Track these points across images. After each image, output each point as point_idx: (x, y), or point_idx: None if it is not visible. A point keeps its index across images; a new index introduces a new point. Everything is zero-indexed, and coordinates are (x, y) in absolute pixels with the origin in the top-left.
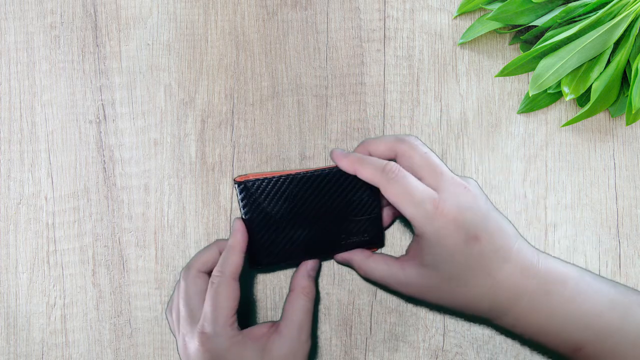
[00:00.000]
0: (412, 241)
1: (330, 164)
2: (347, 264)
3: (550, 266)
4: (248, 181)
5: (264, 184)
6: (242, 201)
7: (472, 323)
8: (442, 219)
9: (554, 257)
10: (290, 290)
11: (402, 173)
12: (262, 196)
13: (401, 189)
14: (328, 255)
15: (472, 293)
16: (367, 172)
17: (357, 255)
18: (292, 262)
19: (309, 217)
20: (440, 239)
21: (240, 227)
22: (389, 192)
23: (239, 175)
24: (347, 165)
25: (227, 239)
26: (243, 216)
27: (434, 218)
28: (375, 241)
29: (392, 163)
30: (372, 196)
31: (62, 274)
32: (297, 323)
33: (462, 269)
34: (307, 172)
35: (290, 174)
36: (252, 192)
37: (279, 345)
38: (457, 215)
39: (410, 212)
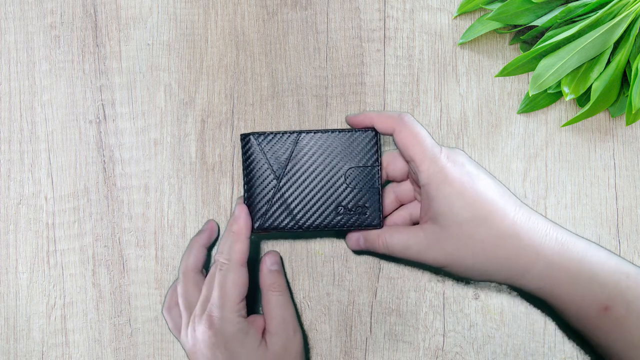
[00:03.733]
0: (421, 205)
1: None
2: (362, 249)
3: (564, 229)
4: (251, 134)
5: (267, 139)
6: (243, 155)
7: (499, 288)
8: (445, 160)
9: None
10: (261, 289)
11: (416, 122)
12: (263, 152)
13: (414, 132)
14: (324, 228)
15: (492, 237)
16: (383, 118)
17: (372, 231)
18: (286, 229)
19: (306, 178)
20: (446, 176)
21: (242, 213)
22: (403, 134)
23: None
24: (363, 118)
25: (201, 233)
26: (244, 171)
27: (440, 159)
28: (372, 219)
29: (407, 113)
30: (375, 166)
31: (62, 274)
32: (278, 320)
33: (476, 205)
34: (310, 130)
35: (294, 131)
36: (253, 146)
37: (272, 342)
38: (459, 160)
39: (419, 153)
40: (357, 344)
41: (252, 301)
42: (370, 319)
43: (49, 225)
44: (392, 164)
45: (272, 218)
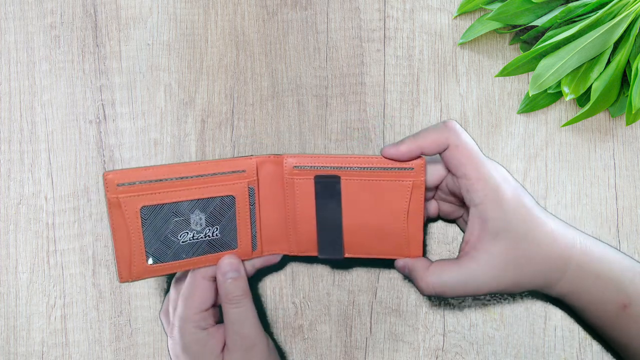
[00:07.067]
0: (469, 227)
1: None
2: (407, 274)
3: (580, 232)
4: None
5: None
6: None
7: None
8: (498, 177)
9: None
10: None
11: (464, 131)
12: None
13: (469, 147)
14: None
15: (540, 250)
16: (431, 137)
17: (418, 263)
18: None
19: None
20: (502, 195)
21: None
22: (460, 150)
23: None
24: (406, 149)
25: None
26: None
27: (493, 177)
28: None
29: (451, 121)
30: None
31: (62, 274)
32: (233, 333)
33: (526, 222)
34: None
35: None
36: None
37: (229, 358)
38: (505, 174)
39: (474, 170)
40: (357, 344)
41: None
42: (370, 319)
43: (49, 225)
44: (428, 172)
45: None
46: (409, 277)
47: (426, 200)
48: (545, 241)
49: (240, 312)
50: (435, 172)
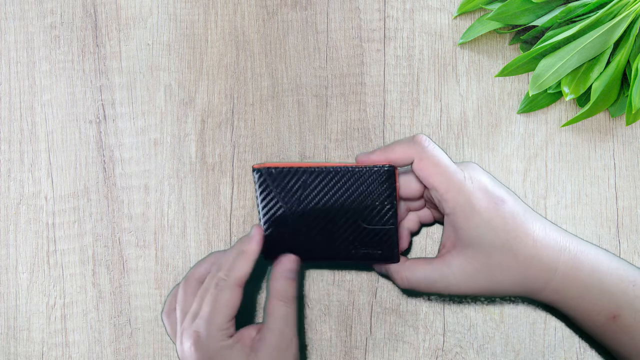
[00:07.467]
0: (444, 232)
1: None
2: (384, 273)
3: (575, 238)
4: (266, 169)
5: (281, 174)
6: (258, 188)
7: (505, 303)
8: (471, 187)
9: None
10: (268, 294)
11: (433, 144)
12: (278, 186)
13: (435, 161)
14: (335, 262)
15: (518, 262)
16: (398, 149)
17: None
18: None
19: (319, 215)
20: (473, 206)
21: (257, 235)
22: (423, 164)
23: (257, 164)
24: (375, 158)
25: (223, 251)
26: (258, 203)
27: (465, 187)
28: (388, 256)
29: (420, 135)
30: (389, 205)
31: (62, 274)
32: (277, 330)
33: (503, 233)
34: (325, 166)
35: (309, 167)
36: (268, 181)
37: (264, 353)
38: (483, 182)
39: (443, 182)
40: (357, 344)
41: (249, 318)
42: (370, 319)
43: (49, 225)
44: (406, 186)
45: (275, 250)
46: (385, 276)
47: (418, 209)
48: (525, 252)
49: (288, 312)
50: (413, 184)
